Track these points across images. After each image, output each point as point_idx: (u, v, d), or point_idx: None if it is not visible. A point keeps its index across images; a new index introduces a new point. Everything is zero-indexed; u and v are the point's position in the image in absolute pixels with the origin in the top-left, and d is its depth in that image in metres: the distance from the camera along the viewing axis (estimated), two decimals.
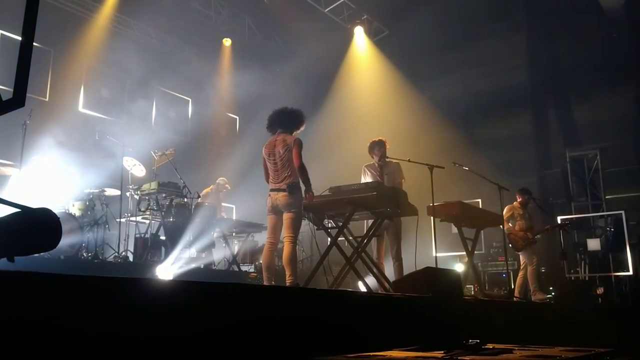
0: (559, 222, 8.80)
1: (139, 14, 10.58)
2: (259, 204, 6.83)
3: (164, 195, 7.39)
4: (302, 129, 5.27)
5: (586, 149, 10.59)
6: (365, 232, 5.72)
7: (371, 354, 2.12)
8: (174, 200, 7.44)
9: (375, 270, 5.60)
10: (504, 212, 7.75)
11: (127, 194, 7.67)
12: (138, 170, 7.77)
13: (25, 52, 1.58)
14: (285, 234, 4.96)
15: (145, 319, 1.85)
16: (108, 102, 10.40)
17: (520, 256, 7.99)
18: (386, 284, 5.42)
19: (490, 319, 3.88)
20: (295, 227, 4.96)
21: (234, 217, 8.70)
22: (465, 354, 2.14)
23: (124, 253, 7.21)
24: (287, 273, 4.85)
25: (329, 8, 11.35)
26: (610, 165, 10.32)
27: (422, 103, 11.16)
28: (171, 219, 7.32)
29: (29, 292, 1.57)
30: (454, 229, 6.73)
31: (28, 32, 1.60)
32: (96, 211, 6.97)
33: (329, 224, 5.68)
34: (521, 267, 7.97)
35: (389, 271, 5.99)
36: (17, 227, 1.65)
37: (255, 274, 7.79)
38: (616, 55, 10.61)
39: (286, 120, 5.14)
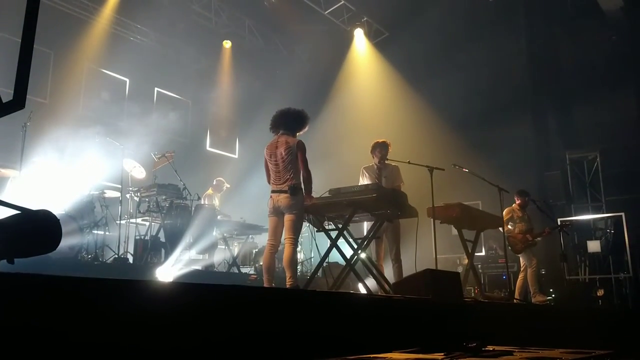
0: (558, 223, 8.80)
1: (139, 16, 10.59)
2: (259, 205, 6.83)
3: (163, 197, 7.39)
4: (305, 130, 5.25)
5: (586, 151, 10.60)
6: (365, 234, 5.72)
7: (371, 356, 2.12)
8: (174, 202, 7.45)
9: (375, 272, 5.60)
10: (503, 215, 7.75)
11: (127, 195, 7.67)
12: (138, 172, 7.78)
13: (25, 54, 1.58)
14: (285, 235, 4.96)
15: (145, 321, 1.85)
16: (108, 104, 10.40)
17: (520, 258, 7.98)
18: (386, 286, 5.42)
19: (491, 321, 3.87)
20: (296, 229, 4.95)
21: (233, 219, 8.67)
22: (466, 356, 2.14)
23: (123, 255, 7.21)
24: (287, 275, 4.84)
25: (329, 10, 11.36)
26: (610, 167, 10.32)
27: (422, 105, 11.16)
28: (171, 221, 7.32)
29: (28, 294, 1.56)
30: (454, 231, 6.74)
31: (28, 34, 1.60)
32: (96, 213, 6.98)
33: (329, 226, 5.68)
34: (521, 269, 7.97)
35: (389, 273, 5.99)
36: (17, 229, 1.65)
37: (255, 276, 7.79)
38: (615, 57, 10.62)
39: (289, 121, 5.13)
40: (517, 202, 8.04)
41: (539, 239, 7.99)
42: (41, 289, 1.61)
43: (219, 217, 8.33)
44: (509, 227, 7.86)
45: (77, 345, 1.62)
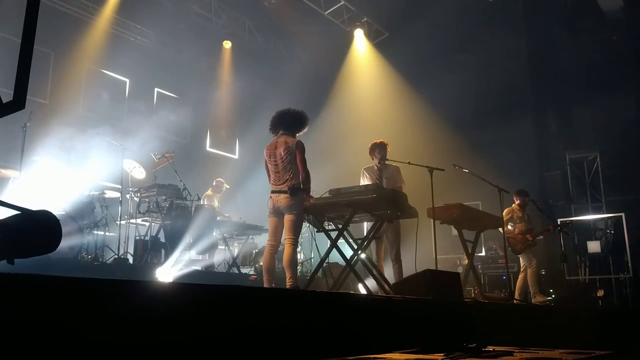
0: (558, 224, 8.79)
1: (139, 17, 10.59)
2: (259, 206, 6.83)
3: (163, 197, 7.39)
4: (304, 130, 5.25)
5: (586, 151, 10.60)
6: (365, 234, 5.72)
7: (371, 356, 2.12)
8: (173, 203, 7.44)
9: (375, 272, 5.60)
10: (503, 215, 7.74)
11: (127, 196, 7.67)
12: (138, 172, 7.78)
13: (25, 54, 1.59)
14: (285, 236, 4.96)
15: (145, 321, 1.85)
16: (108, 105, 10.40)
17: (520, 259, 7.98)
18: (386, 286, 5.42)
19: (491, 321, 3.87)
20: (296, 229, 4.95)
21: (232, 220, 8.67)
22: (466, 356, 2.14)
23: (123, 255, 7.20)
24: (287, 275, 4.84)
25: (328, 11, 11.36)
26: (610, 168, 10.32)
27: (422, 105, 11.16)
28: (171, 221, 7.32)
29: (28, 294, 1.56)
30: (454, 231, 6.74)
31: (28, 35, 1.60)
32: (96, 213, 6.97)
33: (329, 226, 5.68)
34: (521, 270, 7.97)
35: (389, 273, 5.99)
36: (17, 229, 1.65)
37: (255, 277, 7.79)
38: (616, 58, 10.62)
39: (289, 122, 5.13)
40: (517, 202, 8.04)
41: (540, 237, 7.98)
42: (40, 289, 1.61)
43: (218, 218, 8.34)
44: (509, 227, 7.85)
45: (73, 347, 1.62)
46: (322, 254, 5.55)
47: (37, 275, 1.59)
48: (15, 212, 1.67)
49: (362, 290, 5.50)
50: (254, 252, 8.64)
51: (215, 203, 9.10)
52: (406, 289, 3.92)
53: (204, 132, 12.46)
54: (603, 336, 4.74)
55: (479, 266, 9.69)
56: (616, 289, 9.14)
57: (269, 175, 5.16)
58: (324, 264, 5.63)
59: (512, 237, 7.82)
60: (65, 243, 5.98)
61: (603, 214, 10.01)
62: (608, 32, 10.87)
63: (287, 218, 4.93)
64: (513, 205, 8.02)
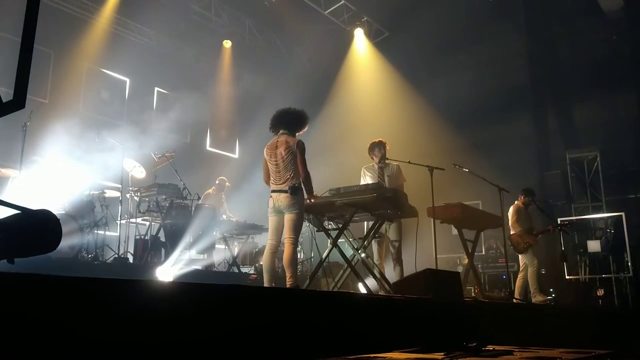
0: (558, 223, 8.78)
1: (139, 16, 10.59)
2: (259, 205, 6.84)
3: (164, 196, 7.39)
4: (304, 130, 5.25)
5: (586, 151, 10.60)
6: (365, 233, 5.72)
7: (371, 355, 2.12)
8: (174, 202, 7.45)
9: (375, 271, 5.60)
10: (511, 214, 7.70)
11: (127, 195, 7.68)
12: (138, 172, 7.79)
13: (25, 53, 1.59)
14: (286, 235, 4.95)
15: (145, 320, 1.85)
16: (108, 104, 10.40)
17: (520, 258, 7.95)
18: (386, 286, 5.42)
19: (491, 320, 3.87)
20: (296, 229, 4.95)
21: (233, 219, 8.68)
22: (466, 355, 2.14)
23: (124, 255, 7.21)
24: (288, 275, 4.84)
25: (329, 10, 11.36)
26: (610, 167, 10.32)
27: (422, 105, 11.16)
28: (171, 221, 7.32)
29: (28, 294, 1.56)
30: (454, 231, 6.74)
31: (28, 34, 1.60)
32: (96, 213, 6.98)
33: (329, 226, 5.68)
34: (521, 269, 7.95)
35: (389, 273, 5.99)
36: (17, 229, 1.65)
37: (255, 276, 7.79)
38: (616, 57, 10.62)
39: (289, 121, 5.13)
40: (522, 200, 7.99)
41: (540, 236, 7.97)
42: (41, 289, 1.61)
43: (224, 217, 8.38)
44: (517, 226, 7.79)
45: (73, 346, 1.62)
46: (322, 254, 5.55)
47: (37, 274, 1.60)
48: (15, 211, 1.67)
49: (362, 290, 5.50)
50: (254, 251, 8.64)
51: (221, 202, 9.08)
52: (406, 288, 3.93)
53: (204, 131, 12.46)
54: (603, 335, 4.74)
55: (479, 265, 9.69)
56: (616, 288, 9.14)
57: (265, 175, 5.14)
58: (324, 264, 5.63)
59: (518, 235, 7.76)
60: (65, 242, 5.98)
61: (603, 213, 10.00)
62: (609, 32, 10.87)
63: (288, 217, 4.93)
64: (517, 202, 7.98)
